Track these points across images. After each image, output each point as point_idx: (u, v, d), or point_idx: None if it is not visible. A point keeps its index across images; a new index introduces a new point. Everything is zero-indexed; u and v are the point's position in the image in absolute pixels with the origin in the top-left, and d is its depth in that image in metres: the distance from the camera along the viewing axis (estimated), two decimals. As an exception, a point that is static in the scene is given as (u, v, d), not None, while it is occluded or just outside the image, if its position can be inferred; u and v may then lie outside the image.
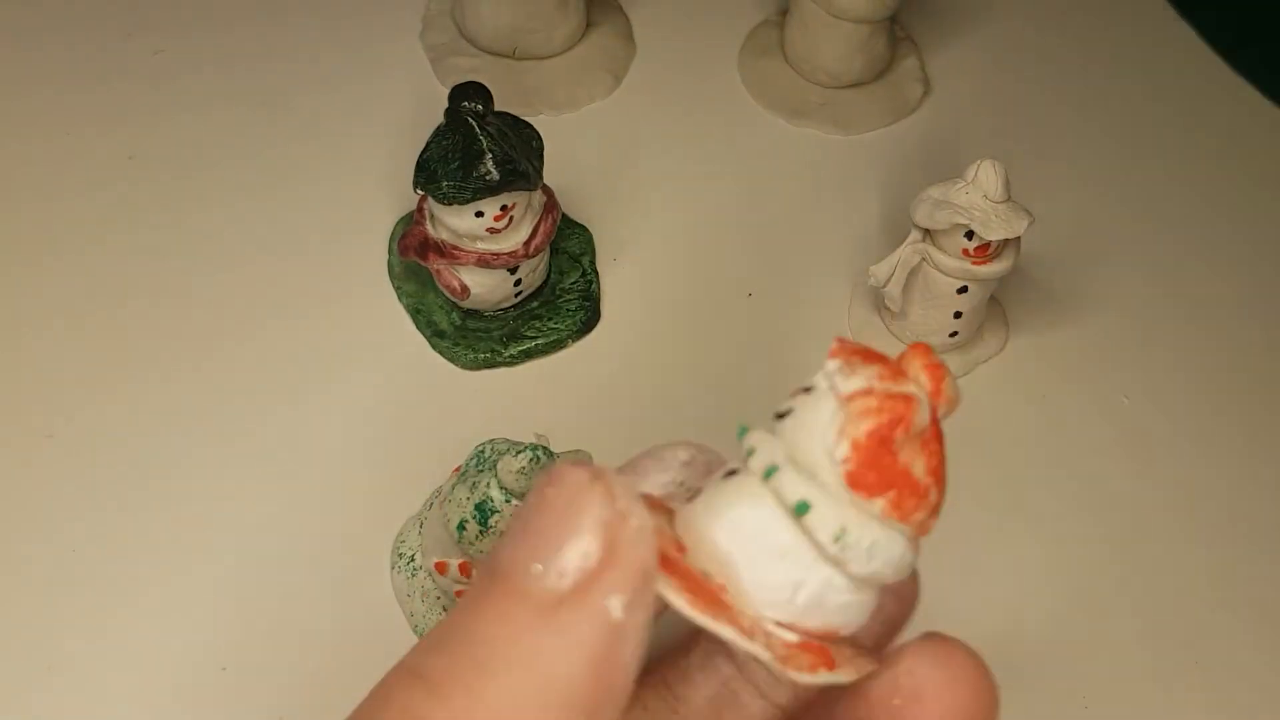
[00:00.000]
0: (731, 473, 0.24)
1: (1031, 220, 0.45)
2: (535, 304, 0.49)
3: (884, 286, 0.48)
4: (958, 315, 0.48)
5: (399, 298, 0.49)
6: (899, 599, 0.26)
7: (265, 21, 0.57)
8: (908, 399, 0.23)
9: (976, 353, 0.50)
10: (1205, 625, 0.45)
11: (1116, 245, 0.54)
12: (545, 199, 0.46)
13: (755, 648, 0.22)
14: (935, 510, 0.24)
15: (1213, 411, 0.50)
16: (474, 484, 0.38)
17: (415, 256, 0.46)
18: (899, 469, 0.23)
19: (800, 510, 0.23)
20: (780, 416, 0.24)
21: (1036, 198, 0.49)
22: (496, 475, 0.37)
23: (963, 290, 0.47)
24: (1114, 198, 0.55)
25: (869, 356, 0.24)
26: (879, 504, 0.23)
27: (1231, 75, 0.60)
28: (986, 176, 0.44)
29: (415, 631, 0.42)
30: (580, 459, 0.38)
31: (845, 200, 0.54)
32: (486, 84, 0.44)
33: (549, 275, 0.49)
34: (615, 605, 0.20)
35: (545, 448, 0.37)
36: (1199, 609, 0.45)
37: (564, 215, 0.49)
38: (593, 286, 0.50)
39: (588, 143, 0.54)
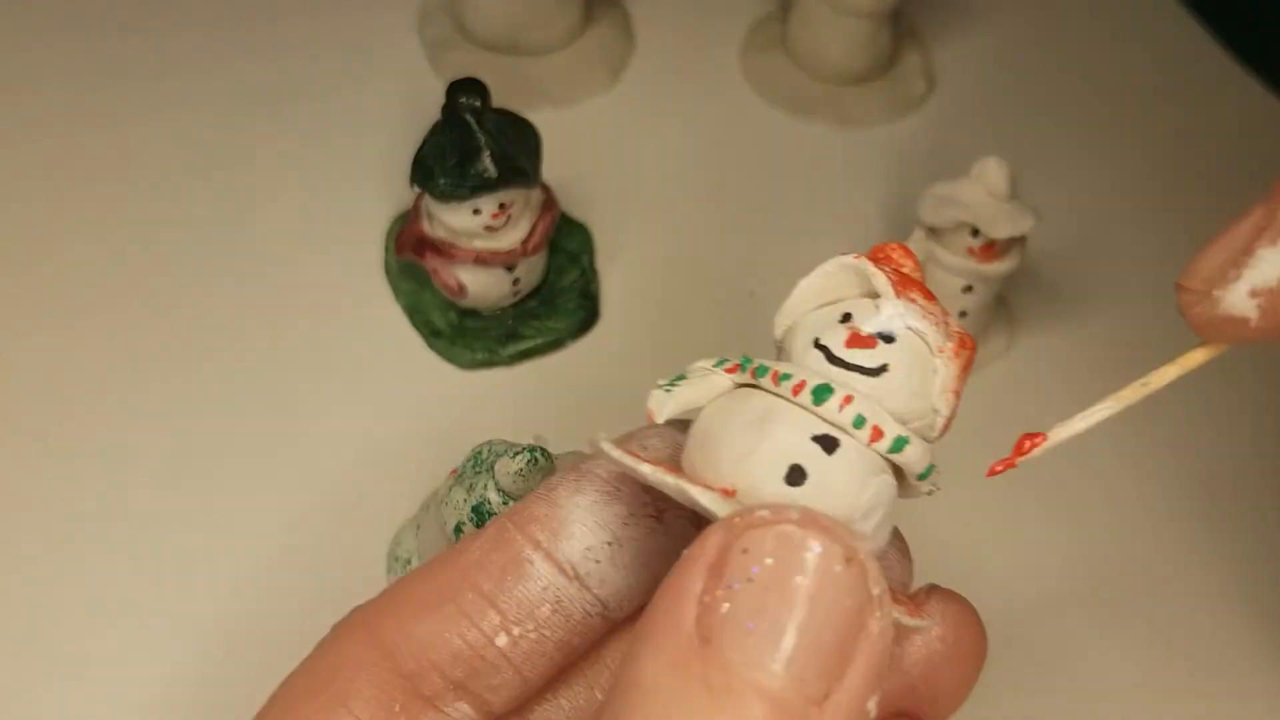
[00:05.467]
0: (830, 444, 0.22)
1: (1037, 218, 0.45)
2: (533, 303, 0.49)
3: (887, 285, 0.47)
4: (963, 314, 0.47)
5: (395, 296, 0.49)
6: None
7: (262, 19, 0.57)
8: (970, 339, 0.23)
9: (982, 352, 0.49)
10: (1209, 625, 0.44)
11: (1123, 243, 0.53)
12: (544, 196, 0.46)
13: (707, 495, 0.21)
14: None
15: (1223, 410, 0.49)
16: (471, 486, 0.38)
17: (412, 255, 0.46)
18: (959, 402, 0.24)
19: (925, 474, 0.23)
20: (871, 373, 0.22)
21: (1042, 195, 0.49)
22: (494, 477, 0.37)
23: (968, 289, 0.46)
24: (1120, 195, 0.55)
25: (908, 283, 0.23)
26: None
27: (1239, 71, 0.59)
28: (991, 174, 0.44)
29: (411, 636, 0.42)
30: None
31: (848, 197, 0.54)
32: (484, 79, 0.44)
33: (547, 274, 0.49)
34: (872, 705, 0.18)
35: (543, 449, 0.37)
36: (1203, 608, 0.45)
37: (562, 213, 0.49)
38: (591, 285, 0.50)
39: (587, 139, 0.54)
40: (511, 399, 0.47)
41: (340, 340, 0.48)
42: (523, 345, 0.48)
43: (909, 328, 0.23)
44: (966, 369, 0.23)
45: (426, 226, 0.45)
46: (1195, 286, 0.24)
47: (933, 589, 0.24)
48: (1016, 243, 0.46)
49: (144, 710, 0.40)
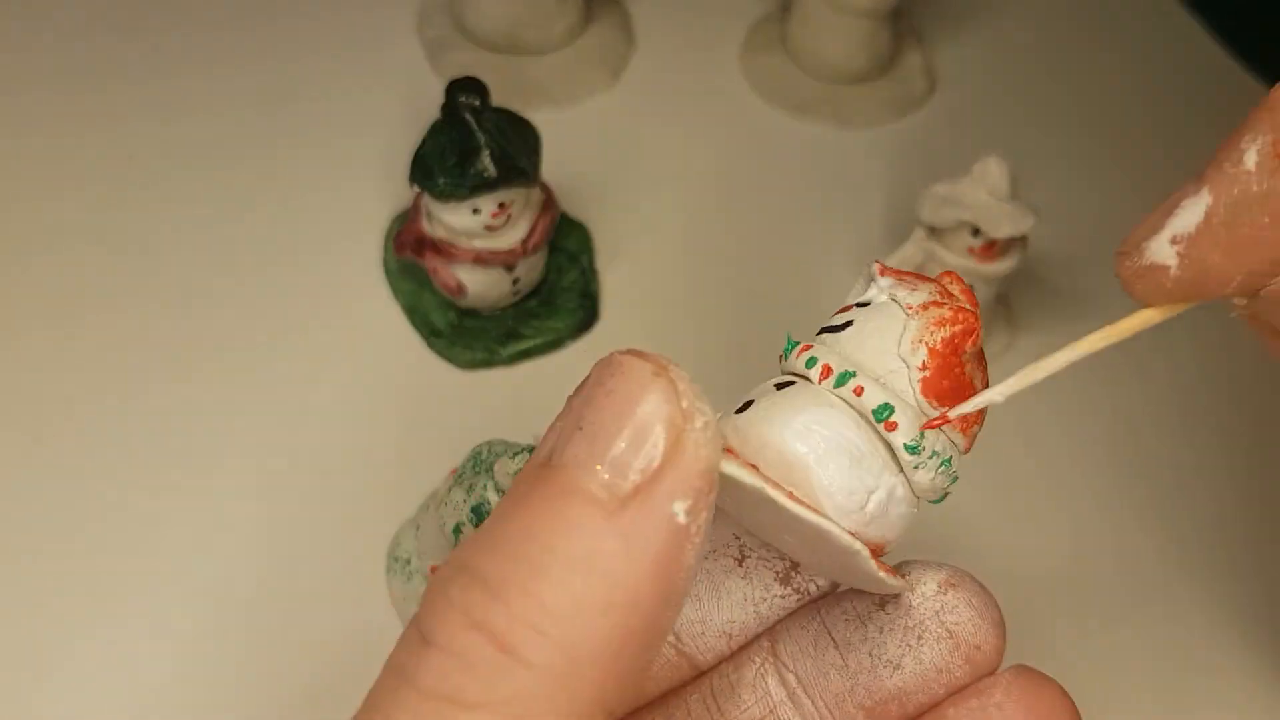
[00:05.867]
0: (784, 384, 0.23)
1: (1037, 218, 0.45)
2: (533, 302, 0.49)
3: (888, 285, 0.47)
4: (963, 314, 0.47)
5: (394, 296, 0.49)
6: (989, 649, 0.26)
7: (262, 18, 0.57)
8: (974, 313, 0.24)
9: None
10: (1208, 625, 0.44)
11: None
12: (543, 196, 0.46)
13: (857, 545, 0.22)
14: (977, 429, 0.25)
15: (1222, 408, 0.49)
16: (470, 486, 0.37)
17: (411, 254, 0.46)
18: (966, 381, 0.24)
19: (880, 415, 0.23)
20: (833, 330, 0.24)
21: (1043, 195, 0.49)
22: (493, 477, 0.37)
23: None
24: (1121, 194, 0.55)
25: (917, 276, 0.24)
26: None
27: (1240, 72, 0.59)
28: (992, 173, 0.44)
29: (411, 636, 0.42)
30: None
31: (848, 197, 0.54)
32: (484, 79, 0.44)
33: (547, 273, 0.49)
34: (680, 509, 0.19)
35: (543, 449, 0.37)
36: (1201, 608, 0.45)
37: (562, 213, 0.49)
38: (591, 285, 0.49)
39: (586, 139, 0.54)
40: (511, 399, 0.47)
41: (339, 339, 0.48)
42: (522, 345, 0.48)
43: (891, 297, 0.24)
44: (949, 331, 0.23)
45: (426, 226, 0.45)
46: (1129, 247, 0.25)
47: (1019, 669, 0.24)
48: (1017, 242, 0.46)
49: (140, 709, 0.40)
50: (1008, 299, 0.51)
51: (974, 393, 0.24)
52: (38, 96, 0.54)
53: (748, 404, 0.23)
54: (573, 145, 0.52)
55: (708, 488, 0.20)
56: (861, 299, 0.24)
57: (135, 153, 0.53)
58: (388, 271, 0.50)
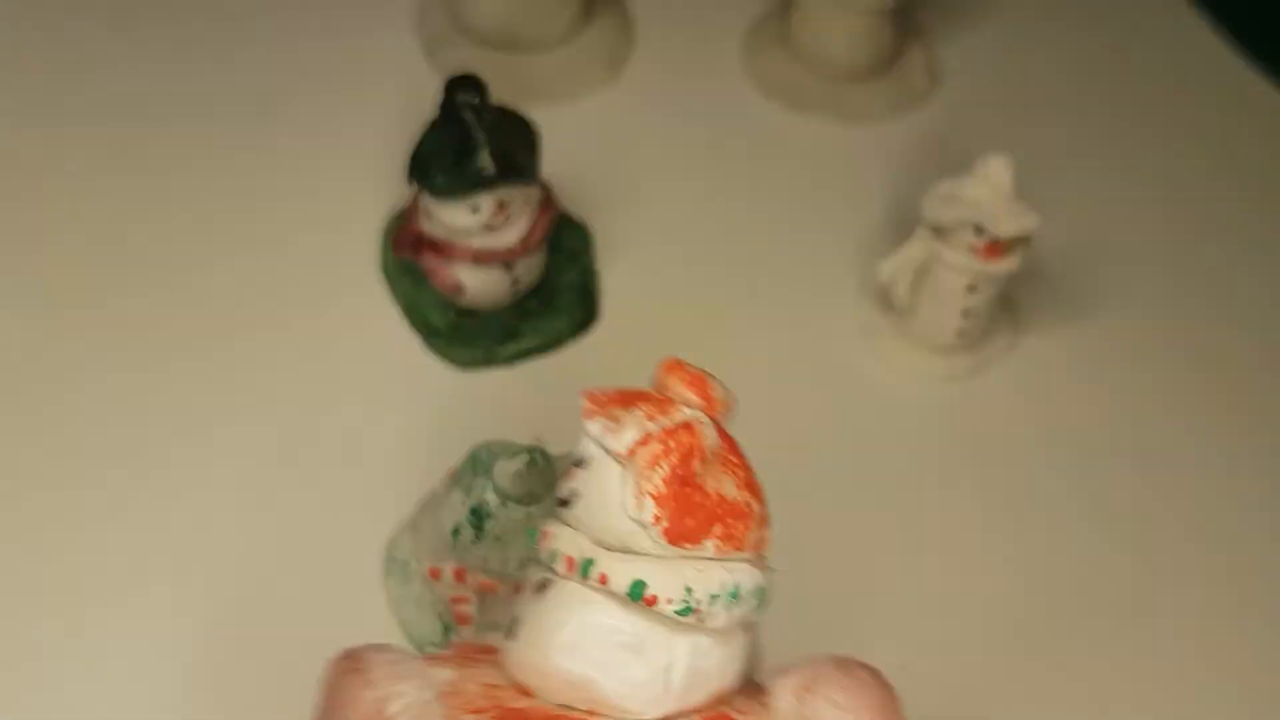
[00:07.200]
0: (543, 585, 0.22)
1: (1041, 216, 0.44)
2: (532, 301, 0.48)
3: (891, 283, 0.47)
4: (966, 313, 0.47)
5: (392, 295, 0.49)
6: None
7: (259, 14, 0.57)
8: (688, 426, 0.22)
9: (985, 351, 0.49)
10: (1210, 624, 0.44)
11: (1128, 242, 0.53)
12: (542, 194, 0.46)
13: None
14: (763, 522, 0.23)
15: (1225, 409, 0.49)
16: (469, 487, 0.38)
17: (409, 253, 0.46)
18: (713, 500, 0.22)
19: (635, 594, 0.21)
20: (564, 504, 0.22)
21: (1047, 194, 0.48)
22: (492, 479, 0.37)
23: (972, 288, 0.46)
24: (1126, 194, 0.55)
25: (626, 399, 0.23)
26: (709, 546, 0.22)
27: (1245, 68, 0.59)
28: (996, 172, 0.44)
29: (408, 638, 0.42)
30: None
31: (850, 194, 0.54)
32: (482, 75, 0.44)
33: (546, 272, 0.49)
34: None
35: (543, 450, 0.37)
36: (1205, 608, 0.45)
37: (562, 211, 0.49)
38: (591, 284, 0.49)
39: (586, 136, 0.54)
40: (510, 398, 0.47)
41: (336, 339, 0.48)
42: (521, 344, 0.48)
43: (601, 447, 0.22)
44: (668, 466, 0.22)
45: (424, 225, 0.45)
46: None
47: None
48: (1021, 242, 0.46)
49: (140, 710, 0.40)
50: (1011, 298, 0.50)
51: (724, 504, 0.22)
52: (32, 95, 0.54)
53: (514, 621, 0.22)
54: (572, 143, 0.52)
55: None
56: (577, 456, 0.22)
57: (128, 149, 0.53)
58: (385, 270, 0.50)
